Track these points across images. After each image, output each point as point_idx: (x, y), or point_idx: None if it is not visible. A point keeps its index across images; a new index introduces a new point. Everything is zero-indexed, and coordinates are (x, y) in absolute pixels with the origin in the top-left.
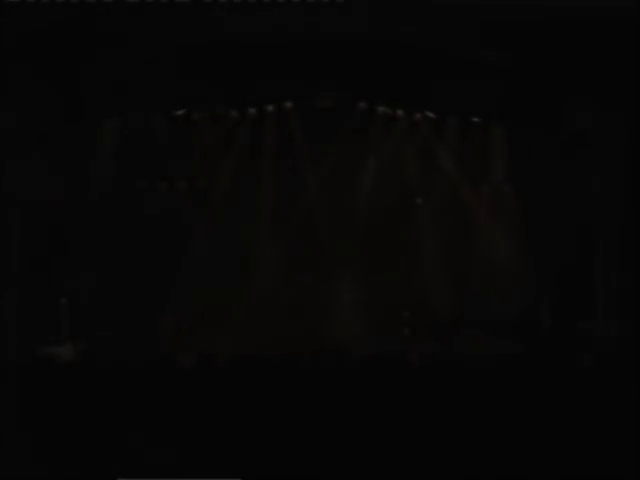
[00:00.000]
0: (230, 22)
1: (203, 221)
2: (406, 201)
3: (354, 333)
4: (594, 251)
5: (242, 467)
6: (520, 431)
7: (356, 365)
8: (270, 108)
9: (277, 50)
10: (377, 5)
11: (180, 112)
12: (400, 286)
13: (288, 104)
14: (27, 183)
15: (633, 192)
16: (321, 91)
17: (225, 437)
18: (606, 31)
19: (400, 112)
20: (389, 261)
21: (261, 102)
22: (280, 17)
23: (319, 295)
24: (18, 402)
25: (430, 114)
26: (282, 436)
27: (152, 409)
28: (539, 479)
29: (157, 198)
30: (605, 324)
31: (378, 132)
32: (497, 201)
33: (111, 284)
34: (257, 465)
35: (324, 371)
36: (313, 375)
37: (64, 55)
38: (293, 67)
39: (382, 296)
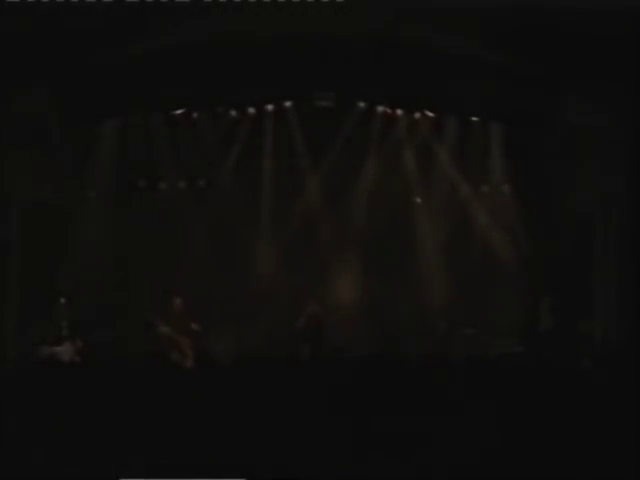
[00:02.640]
0: (230, 22)
1: (203, 221)
2: (405, 200)
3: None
4: (594, 251)
5: (243, 467)
6: (519, 432)
7: (356, 365)
8: (270, 108)
9: (277, 50)
10: (377, 5)
11: (180, 112)
12: (398, 285)
13: (288, 104)
14: (27, 183)
15: (633, 192)
16: (321, 91)
17: (225, 436)
18: (606, 30)
19: (400, 112)
20: (388, 260)
21: (260, 102)
22: (280, 17)
23: (318, 294)
24: (18, 402)
25: (430, 114)
26: (285, 436)
27: (152, 408)
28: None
29: (157, 198)
30: (605, 324)
31: (378, 132)
32: (496, 201)
33: (111, 284)
34: (259, 465)
35: (328, 370)
36: (315, 374)
37: (64, 54)
38: (293, 67)
39: (381, 295)
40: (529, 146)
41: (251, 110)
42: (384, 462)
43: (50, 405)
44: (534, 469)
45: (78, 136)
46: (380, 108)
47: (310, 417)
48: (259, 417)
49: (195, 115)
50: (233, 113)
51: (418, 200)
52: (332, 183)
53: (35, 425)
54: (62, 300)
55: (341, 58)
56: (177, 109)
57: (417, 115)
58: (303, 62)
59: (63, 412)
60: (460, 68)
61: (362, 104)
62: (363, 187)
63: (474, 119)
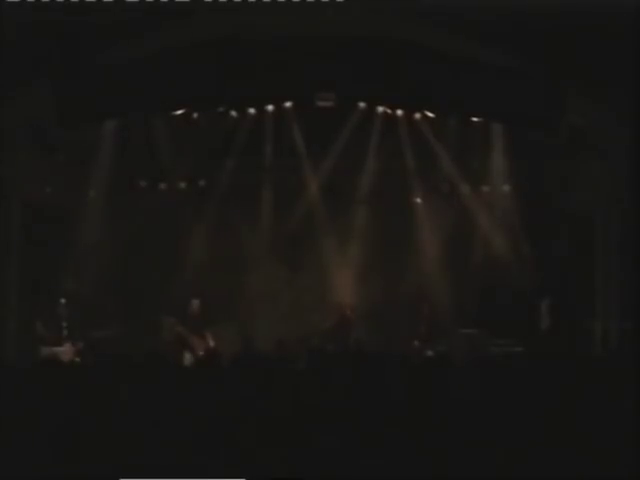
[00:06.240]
0: (230, 22)
1: (203, 221)
2: (405, 200)
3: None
4: (594, 251)
5: (245, 467)
6: (519, 431)
7: (358, 364)
8: (270, 108)
9: (277, 50)
10: (377, 5)
11: (180, 112)
12: (399, 285)
13: (288, 104)
14: (27, 183)
15: (634, 191)
16: (321, 91)
17: (226, 436)
18: (606, 30)
19: (400, 112)
20: (389, 260)
21: (260, 102)
22: (280, 17)
23: (319, 294)
24: (18, 402)
25: (430, 114)
26: (286, 436)
27: (153, 408)
28: (540, 479)
29: (157, 198)
30: (605, 324)
31: (378, 132)
32: (497, 201)
33: (111, 284)
34: (260, 465)
35: (329, 369)
36: (315, 373)
37: (64, 55)
38: (293, 67)
39: (382, 295)
40: (529, 146)
41: (251, 110)
42: (385, 461)
43: (50, 405)
44: (534, 468)
45: (78, 136)
46: (380, 108)
47: (311, 417)
48: (260, 417)
49: (195, 115)
50: (233, 113)
51: (418, 200)
52: (332, 183)
53: (35, 425)
54: (62, 300)
55: (341, 58)
56: (177, 109)
57: (417, 115)
58: (303, 62)
59: (63, 412)
60: (460, 68)
61: (362, 104)
62: (363, 187)
63: (474, 119)
